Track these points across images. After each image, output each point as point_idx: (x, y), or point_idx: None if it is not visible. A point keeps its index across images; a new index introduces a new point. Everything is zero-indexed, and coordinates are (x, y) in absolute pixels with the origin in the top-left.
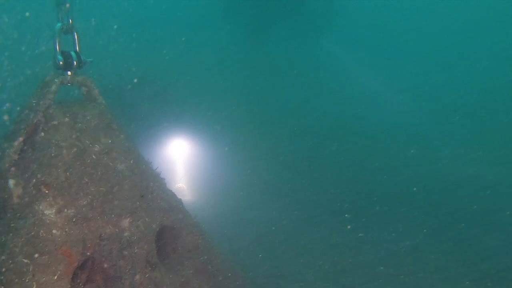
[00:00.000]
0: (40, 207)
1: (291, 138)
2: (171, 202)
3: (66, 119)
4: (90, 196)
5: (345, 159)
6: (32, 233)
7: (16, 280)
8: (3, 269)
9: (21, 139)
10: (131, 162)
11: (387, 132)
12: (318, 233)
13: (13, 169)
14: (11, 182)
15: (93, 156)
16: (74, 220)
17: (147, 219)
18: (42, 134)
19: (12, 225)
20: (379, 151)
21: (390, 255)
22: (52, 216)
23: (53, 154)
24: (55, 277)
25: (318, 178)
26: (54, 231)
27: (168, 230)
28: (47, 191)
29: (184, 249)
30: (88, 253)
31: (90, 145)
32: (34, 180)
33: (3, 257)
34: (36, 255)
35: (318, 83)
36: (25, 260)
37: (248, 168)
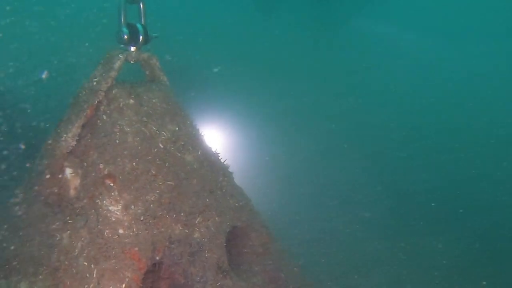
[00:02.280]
0: (104, 202)
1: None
2: (241, 199)
3: (131, 101)
4: (158, 191)
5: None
6: (95, 232)
7: (79, 287)
8: (60, 274)
9: (79, 122)
10: (199, 153)
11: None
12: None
13: (70, 157)
14: (68, 172)
15: (160, 145)
16: (142, 218)
17: (217, 218)
18: (104, 117)
19: (70, 222)
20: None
21: None
22: (118, 213)
23: (117, 141)
24: (123, 286)
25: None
26: (120, 231)
27: (237, 231)
28: (111, 184)
29: (253, 253)
30: (157, 258)
31: (157, 132)
32: (96, 170)
33: (60, 260)
34: (101, 259)
35: (352, 70)
36: (88, 264)
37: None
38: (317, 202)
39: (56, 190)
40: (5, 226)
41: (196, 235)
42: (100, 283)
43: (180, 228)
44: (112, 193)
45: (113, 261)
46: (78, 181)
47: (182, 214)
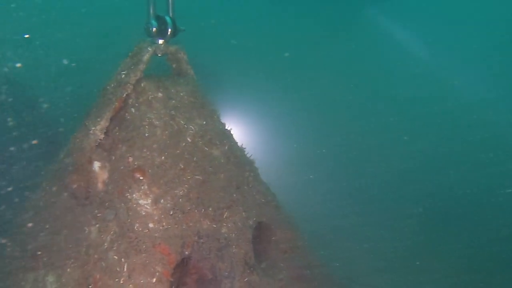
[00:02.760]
0: (134, 195)
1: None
2: (266, 195)
3: (160, 94)
4: (186, 186)
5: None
6: (126, 226)
7: (109, 281)
8: (89, 268)
9: (107, 115)
10: (226, 148)
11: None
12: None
13: (98, 150)
14: (96, 165)
15: (188, 139)
16: (171, 213)
17: (244, 214)
18: (133, 110)
19: (99, 215)
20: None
21: None
22: (147, 207)
23: (146, 134)
24: (154, 280)
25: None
26: (150, 225)
27: (263, 227)
28: (141, 178)
29: (278, 250)
30: (186, 252)
31: (185, 126)
32: (124, 163)
33: (89, 253)
34: (132, 253)
35: (365, 62)
36: (118, 258)
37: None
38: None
39: (83, 184)
40: (31, 219)
41: (224, 230)
42: (131, 277)
43: (208, 223)
44: (142, 187)
45: (143, 255)
46: (106, 174)
47: (210, 209)
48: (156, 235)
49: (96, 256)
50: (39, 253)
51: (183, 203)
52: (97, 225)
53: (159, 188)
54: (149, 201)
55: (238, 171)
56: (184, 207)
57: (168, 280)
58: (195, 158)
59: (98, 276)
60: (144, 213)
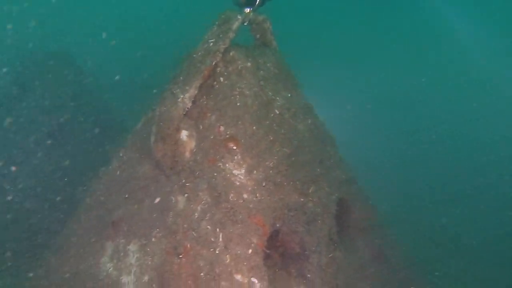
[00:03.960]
0: (227, 165)
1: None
2: (347, 172)
3: (249, 64)
4: (275, 158)
5: None
6: (220, 196)
7: (202, 251)
8: (179, 237)
9: (196, 84)
10: (309, 122)
11: None
12: None
13: (185, 119)
14: (184, 134)
15: (276, 111)
16: (264, 184)
17: (327, 189)
18: (221, 79)
19: (188, 185)
20: None
21: None
22: (241, 177)
23: (238, 104)
24: (250, 251)
25: None
26: (245, 196)
27: (343, 204)
28: (234, 147)
29: (357, 228)
30: (277, 225)
31: (273, 97)
32: (215, 133)
33: (177, 223)
34: (228, 223)
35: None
36: (212, 228)
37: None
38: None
39: (170, 153)
40: (107, 190)
41: (310, 204)
42: (227, 247)
43: (296, 196)
44: (235, 157)
45: (239, 225)
46: (194, 143)
47: (297, 182)
48: (250, 206)
49: (185, 225)
50: (118, 222)
51: (273, 175)
52: (186, 195)
53: (252, 159)
54: (243, 171)
55: (321, 146)
56: (275, 179)
57: (262, 252)
58: (282, 131)
59: (189, 246)
60: (238, 184)
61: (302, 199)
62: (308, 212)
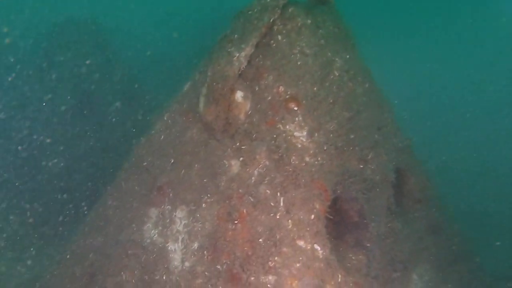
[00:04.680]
0: (287, 127)
1: None
2: (403, 140)
3: (309, 21)
4: (335, 121)
5: None
6: (280, 159)
7: (261, 217)
8: (233, 202)
9: (253, 42)
10: (367, 86)
11: None
12: None
13: (239, 79)
14: (240, 95)
15: (336, 72)
16: (325, 148)
17: (385, 157)
18: (280, 37)
19: (243, 148)
20: None
21: None
22: (303, 139)
23: (298, 63)
24: (312, 217)
25: None
26: (307, 159)
27: (400, 173)
28: (296, 108)
29: (411, 199)
30: (338, 191)
31: (332, 57)
32: (273, 94)
33: (231, 187)
34: (290, 187)
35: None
36: (272, 193)
37: None
38: None
39: (222, 115)
40: (152, 153)
41: (369, 172)
42: (289, 212)
43: (355, 162)
44: (296, 118)
45: (302, 190)
46: (249, 105)
47: (356, 148)
48: (312, 169)
49: (240, 190)
50: (164, 188)
51: (334, 139)
52: (241, 158)
53: (313, 121)
54: (304, 133)
55: (379, 112)
56: (336, 143)
57: (324, 218)
58: (342, 94)
59: (245, 211)
60: (300, 146)
61: (362, 166)
62: (368, 179)
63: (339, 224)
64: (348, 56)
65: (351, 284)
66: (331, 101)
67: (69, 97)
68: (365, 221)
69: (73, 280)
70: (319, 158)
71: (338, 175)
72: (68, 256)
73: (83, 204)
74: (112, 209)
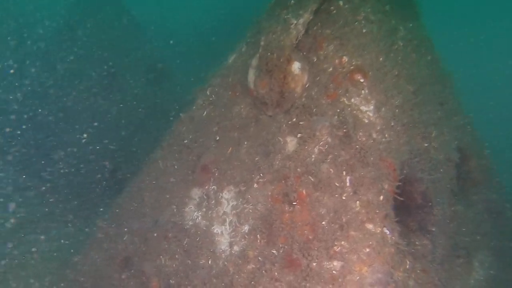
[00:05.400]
0: (352, 101)
1: None
2: (464, 118)
3: None
4: (401, 95)
5: None
6: (347, 136)
7: (323, 197)
8: (290, 182)
9: (312, 7)
10: (429, 58)
11: None
12: None
13: (296, 50)
14: (297, 66)
15: (400, 42)
16: (392, 124)
17: (447, 135)
18: (342, 3)
19: (301, 123)
20: None
21: None
22: (370, 114)
23: (364, 31)
24: (381, 198)
25: None
26: (374, 135)
27: (462, 153)
28: (362, 80)
29: (471, 180)
30: (404, 171)
31: (397, 26)
32: (335, 65)
33: (287, 166)
34: (357, 165)
35: None
36: (337, 171)
37: None
38: None
39: (276, 88)
40: (193, 130)
41: (432, 151)
42: (357, 193)
43: (420, 140)
44: (362, 91)
45: (370, 168)
46: (306, 77)
47: (421, 125)
48: (380, 147)
49: (298, 169)
50: (208, 167)
51: (400, 114)
52: (299, 135)
53: (379, 94)
54: (371, 107)
55: (441, 86)
56: (402, 119)
57: (392, 200)
58: (406, 65)
59: (304, 192)
60: (367, 121)
61: (426, 145)
62: (433, 159)
63: (400, 207)
64: (411, 25)
65: (418, 271)
66: (396, 73)
67: (94, 74)
68: (429, 204)
69: (106, 263)
70: (386, 135)
71: (405, 153)
72: (99, 239)
73: (112, 184)
74: (148, 189)
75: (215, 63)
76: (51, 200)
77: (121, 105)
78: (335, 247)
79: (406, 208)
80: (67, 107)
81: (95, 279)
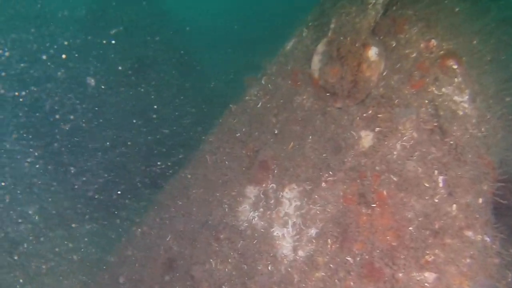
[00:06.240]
0: (444, 90)
1: None
2: None
3: None
4: (495, 84)
5: None
6: (438, 129)
7: (409, 199)
8: (366, 182)
9: None
10: None
11: None
12: None
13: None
14: (374, 52)
15: (491, 23)
16: (488, 116)
17: None
18: None
19: (380, 116)
20: None
21: None
22: (465, 105)
23: (456, 9)
24: (480, 201)
25: None
26: (470, 130)
27: None
28: (455, 66)
29: None
30: (503, 170)
31: (487, 4)
32: (419, 49)
33: (363, 164)
34: (453, 164)
35: None
36: (427, 171)
37: None
38: None
39: (350, 77)
40: (247, 122)
41: None
42: (452, 195)
43: None
44: (455, 79)
45: (468, 167)
46: (383, 64)
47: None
48: (477, 143)
49: (377, 168)
50: (266, 163)
51: (494, 105)
52: (377, 129)
53: (474, 82)
54: (466, 97)
55: None
56: (497, 110)
57: (491, 203)
58: (499, 49)
59: (385, 193)
60: (461, 114)
61: None
62: None
63: (499, 211)
64: (502, 2)
65: None
66: (488, 58)
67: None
68: None
69: (146, 265)
70: (482, 129)
71: (502, 150)
72: (137, 238)
73: (146, 182)
74: (195, 186)
75: (268, 49)
76: (82, 195)
77: (151, 96)
78: (426, 256)
79: (506, 212)
80: (98, 101)
81: (134, 281)
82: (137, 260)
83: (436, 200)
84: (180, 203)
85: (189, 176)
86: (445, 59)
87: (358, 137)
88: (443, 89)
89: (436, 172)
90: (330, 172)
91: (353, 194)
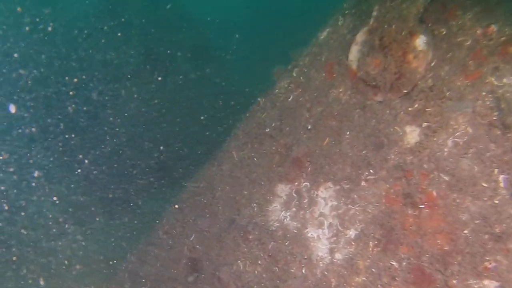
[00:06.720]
0: (505, 81)
1: None
2: None
3: None
4: None
5: None
6: (497, 124)
7: (467, 201)
8: (415, 181)
9: None
10: None
11: None
12: None
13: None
14: (422, 41)
15: None
16: None
17: None
18: None
19: (428, 110)
20: None
21: None
22: None
23: None
24: None
25: None
26: None
27: None
28: None
29: None
30: None
31: None
32: (475, 35)
33: (408, 162)
34: None
35: None
36: (484, 169)
37: None
38: None
39: (394, 68)
40: (277, 117)
41: None
42: None
43: None
44: None
45: None
46: (431, 54)
47: None
48: None
49: (425, 166)
50: (300, 160)
51: None
52: (424, 124)
53: None
54: None
55: None
56: None
57: None
58: None
59: (435, 193)
60: None
61: None
62: None
63: None
64: None
65: None
66: None
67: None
68: None
69: (167, 264)
70: None
71: None
72: (159, 236)
73: (167, 178)
74: (221, 184)
75: (299, 40)
76: (98, 189)
77: (169, 90)
78: (486, 263)
79: None
80: (114, 94)
81: (155, 281)
82: (158, 259)
83: (497, 202)
84: (204, 201)
85: (214, 173)
86: (508, 46)
87: (402, 132)
88: (505, 80)
89: (496, 170)
90: (371, 170)
91: (396, 194)
